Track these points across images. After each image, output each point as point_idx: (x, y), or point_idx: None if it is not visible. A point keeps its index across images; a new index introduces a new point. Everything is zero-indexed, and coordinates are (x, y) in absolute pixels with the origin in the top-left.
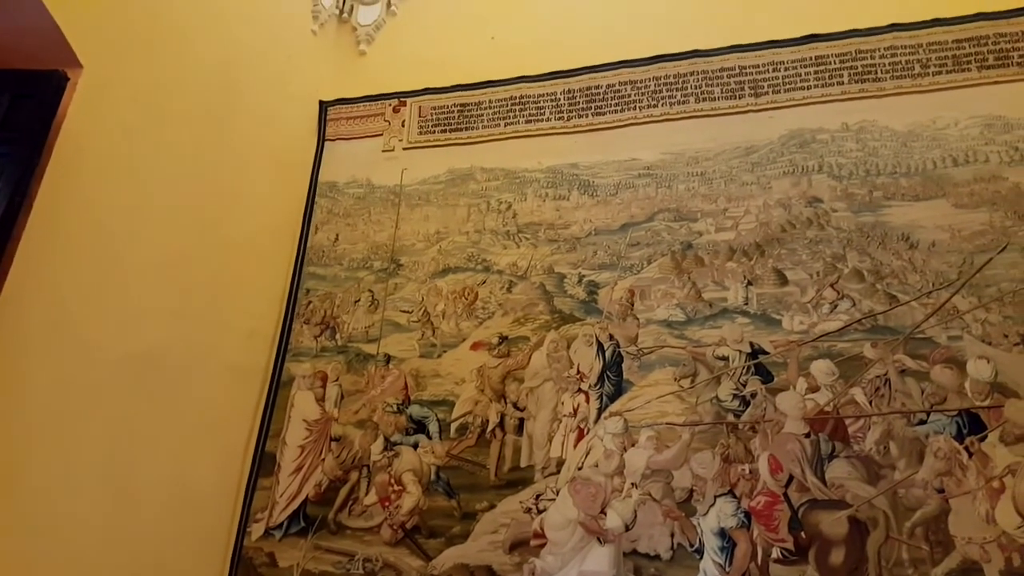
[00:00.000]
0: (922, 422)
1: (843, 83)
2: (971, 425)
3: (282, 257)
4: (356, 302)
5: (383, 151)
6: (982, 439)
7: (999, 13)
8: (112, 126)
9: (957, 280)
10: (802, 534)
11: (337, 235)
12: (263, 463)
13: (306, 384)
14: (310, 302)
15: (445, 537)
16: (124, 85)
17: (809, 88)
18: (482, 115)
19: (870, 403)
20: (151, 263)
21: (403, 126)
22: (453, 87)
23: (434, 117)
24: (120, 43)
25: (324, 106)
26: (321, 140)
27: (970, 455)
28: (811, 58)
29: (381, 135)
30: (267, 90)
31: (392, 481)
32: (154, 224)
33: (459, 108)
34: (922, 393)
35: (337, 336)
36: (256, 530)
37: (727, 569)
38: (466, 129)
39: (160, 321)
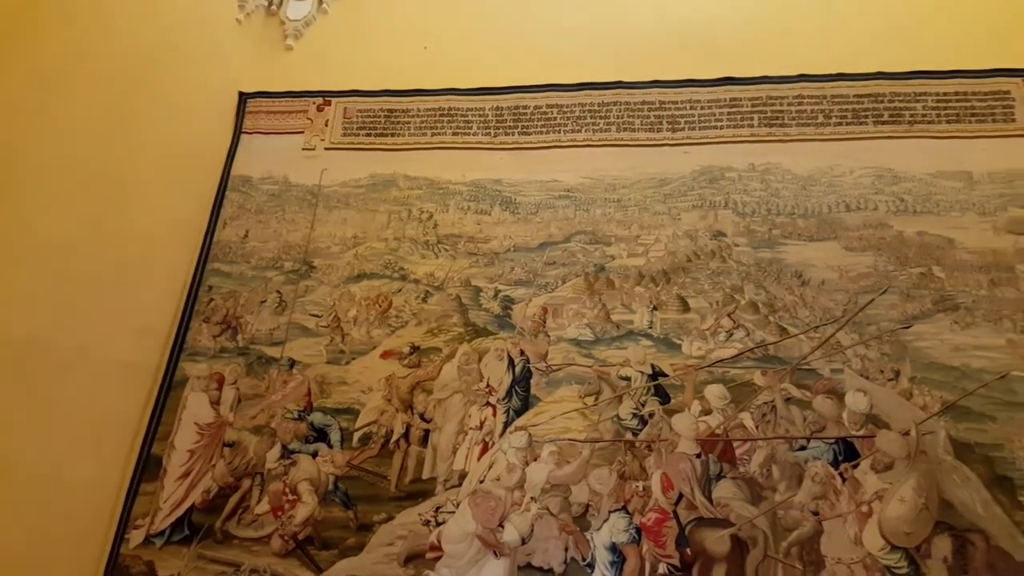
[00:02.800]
0: (802, 448)
1: (753, 126)
2: (846, 453)
3: (185, 251)
4: (262, 302)
5: (303, 149)
6: (855, 466)
7: (897, 74)
8: None
9: (842, 317)
10: (688, 551)
11: (247, 232)
12: (148, 466)
13: (200, 385)
14: (212, 300)
15: (339, 549)
16: (16, 61)
17: (722, 128)
18: (409, 123)
19: (757, 428)
20: (34, 248)
21: (326, 126)
22: (382, 91)
23: (360, 120)
24: (14, 16)
25: (244, 98)
26: (237, 132)
27: (844, 481)
28: (726, 99)
29: (302, 133)
30: (183, 76)
31: (287, 490)
32: (40, 208)
33: (386, 113)
34: (804, 420)
35: (238, 337)
36: (135, 537)
37: None
38: (392, 135)
39: (42, 309)
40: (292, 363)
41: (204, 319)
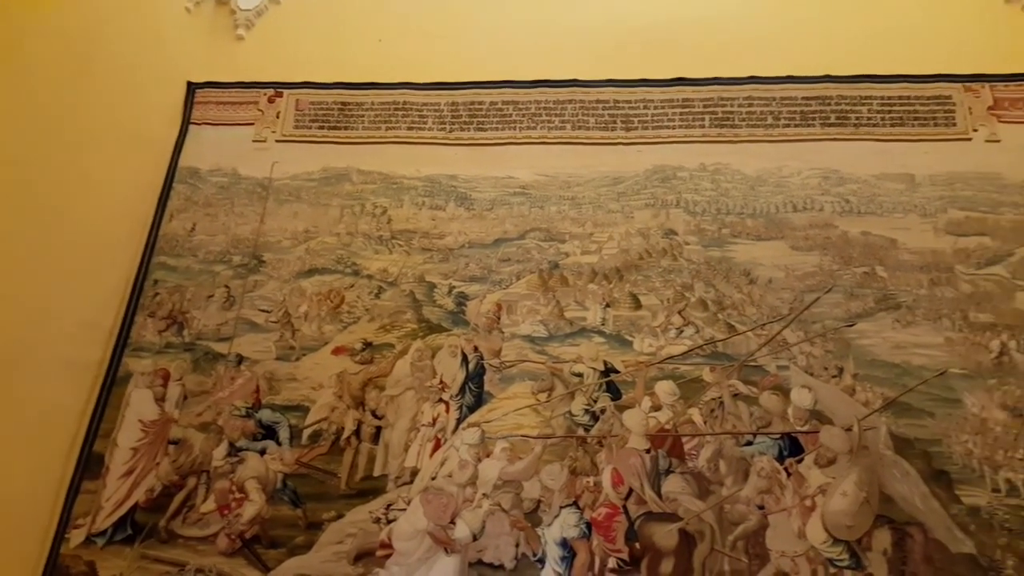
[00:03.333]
0: (749, 443)
1: (704, 126)
2: (791, 448)
3: (130, 244)
4: (210, 297)
5: (254, 141)
6: (799, 461)
7: (844, 77)
8: None
9: (788, 315)
10: (637, 545)
11: (194, 225)
12: (89, 464)
13: (145, 382)
14: (157, 294)
15: (287, 547)
16: None
17: (674, 128)
18: (363, 116)
19: (705, 423)
20: None
21: (278, 117)
22: (335, 84)
23: (312, 112)
24: None
25: (192, 88)
26: (186, 123)
27: (788, 475)
28: (678, 100)
29: (253, 124)
30: (130, 65)
31: (233, 488)
32: None
33: (340, 106)
34: (751, 416)
35: (185, 332)
36: (76, 536)
37: None
38: (345, 128)
39: None
40: (240, 359)
41: (149, 314)
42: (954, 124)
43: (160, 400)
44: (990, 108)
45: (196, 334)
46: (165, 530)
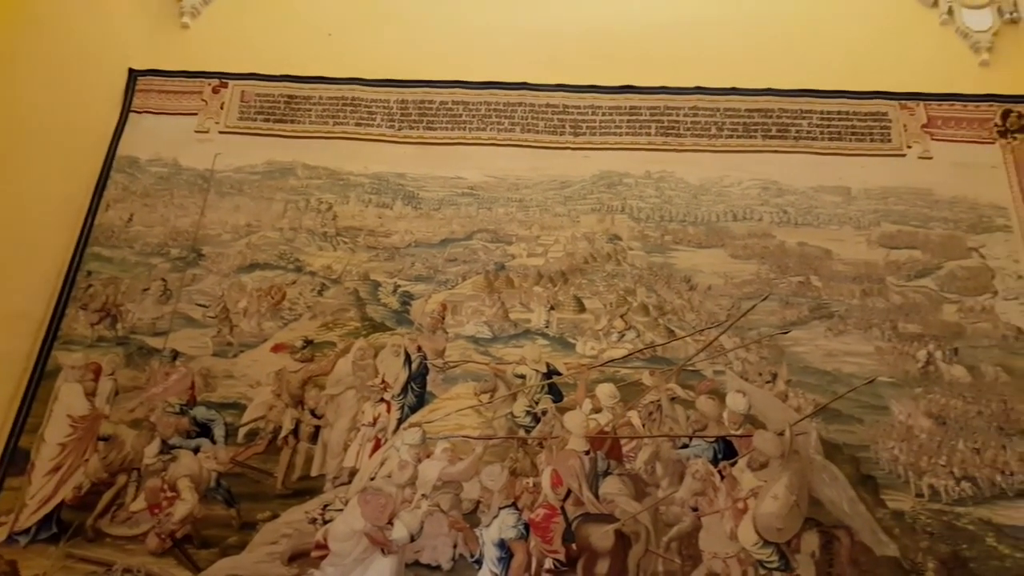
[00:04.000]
0: (685, 446)
1: (650, 134)
2: (725, 451)
3: (63, 233)
4: (145, 290)
5: (196, 132)
6: (733, 464)
7: (786, 91)
8: None
9: (726, 321)
10: (573, 546)
11: (131, 215)
12: (14, 460)
13: (75, 376)
14: (90, 286)
15: (219, 548)
16: None
17: (621, 135)
18: (311, 110)
19: (643, 426)
20: None
21: (222, 108)
22: (282, 76)
23: (258, 104)
24: None
25: (134, 75)
26: (125, 111)
27: (722, 478)
28: (626, 107)
29: (196, 115)
30: (71, 49)
31: (165, 487)
32: None
33: (286, 99)
34: (687, 419)
35: (118, 326)
36: None
37: None
38: (291, 122)
39: None
40: (175, 355)
41: (81, 306)
42: (889, 140)
43: (90, 395)
44: (924, 126)
45: (130, 328)
46: (92, 529)
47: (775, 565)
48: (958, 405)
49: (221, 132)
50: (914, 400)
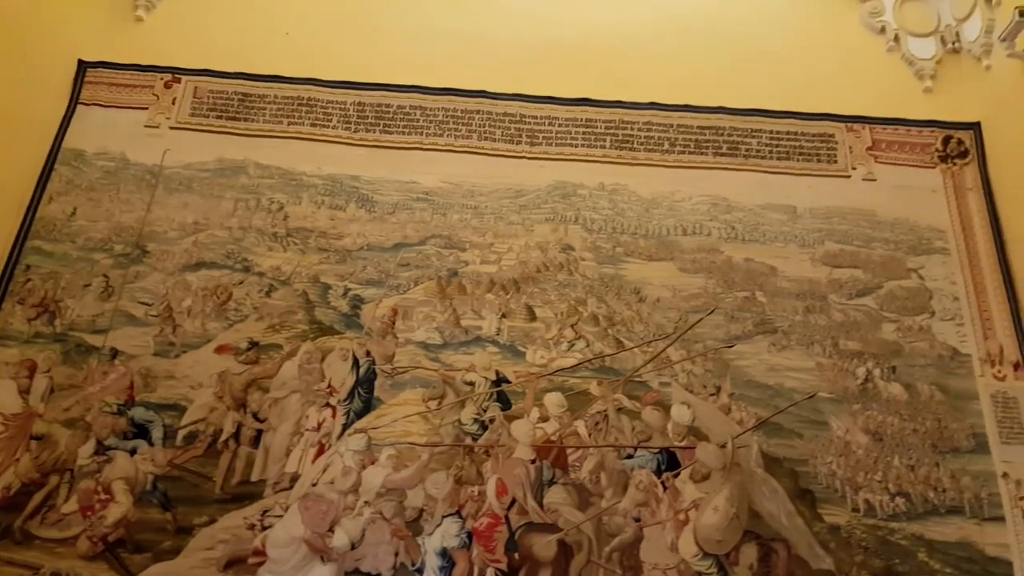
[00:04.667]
0: (630, 456)
1: (605, 147)
2: (669, 462)
3: (2, 226)
4: (86, 286)
5: (146, 126)
6: (676, 475)
7: (737, 110)
8: None
9: (673, 334)
10: (516, 555)
11: (75, 209)
12: None
13: (9, 372)
14: (29, 280)
15: (153, 552)
16: None
17: (576, 146)
18: (265, 109)
19: (589, 435)
20: None
21: (173, 104)
22: (237, 73)
23: (210, 100)
24: None
25: (83, 66)
26: (74, 103)
27: (665, 489)
28: (582, 120)
29: (147, 109)
30: (17, 37)
31: (99, 489)
32: None
33: (240, 97)
34: (632, 430)
35: (56, 322)
36: None
37: None
38: (245, 120)
39: None
40: (115, 353)
41: (18, 300)
42: (835, 161)
43: (24, 392)
44: (869, 148)
45: (69, 324)
46: (20, 531)
47: None
48: (894, 422)
49: (172, 128)
50: (852, 416)
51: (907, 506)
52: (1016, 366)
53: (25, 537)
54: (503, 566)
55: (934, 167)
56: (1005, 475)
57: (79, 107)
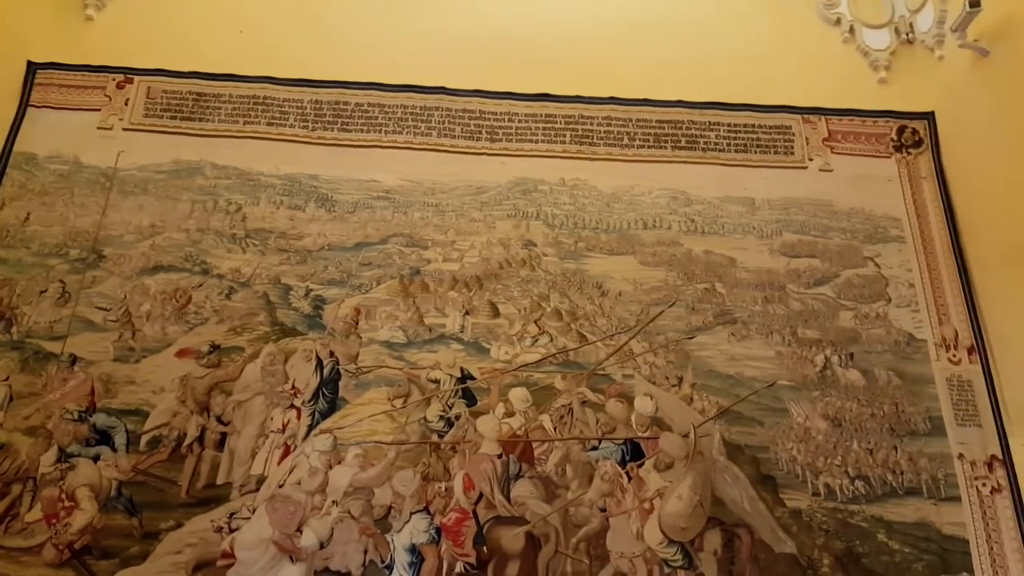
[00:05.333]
0: (594, 448)
1: (565, 142)
2: (633, 452)
3: None
4: (42, 292)
5: (99, 128)
6: (640, 465)
7: (695, 103)
8: None
9: (635, 327)
10: (484, 549)
11: (28, 214)
12: None
13: None
14: None
15: (120, 558)
16: None
17: (537, 142)
18: (220, 108)
19: (555, 429)
20: None
21: (126, 105)
22: (191, 73)
23: (164, 101)
24: None
25: (33, 68)
26: (23, 105)
27: (629, 479)
28: (542, 115)
29: (99, 110)
30: None
31: (63, 496)
32: None
33: (195, 96)
34: (597, 422)
35: (13, 329)
36: None
37: None
38: (200, 120)
39: None
40: (74, 359)
41: None
42: (792, 153)
43: None
44: (825, 139)
45: (26, 331)
46: None
47: (679, 563)
48: (853, 407)
49: (125, 129)
50: (812, 403)
51: (866, 489)
52: (970, 350)
53: None
54: (472, 560)
55: (889, 157)
56: (961, 456)
57: (29, 109)
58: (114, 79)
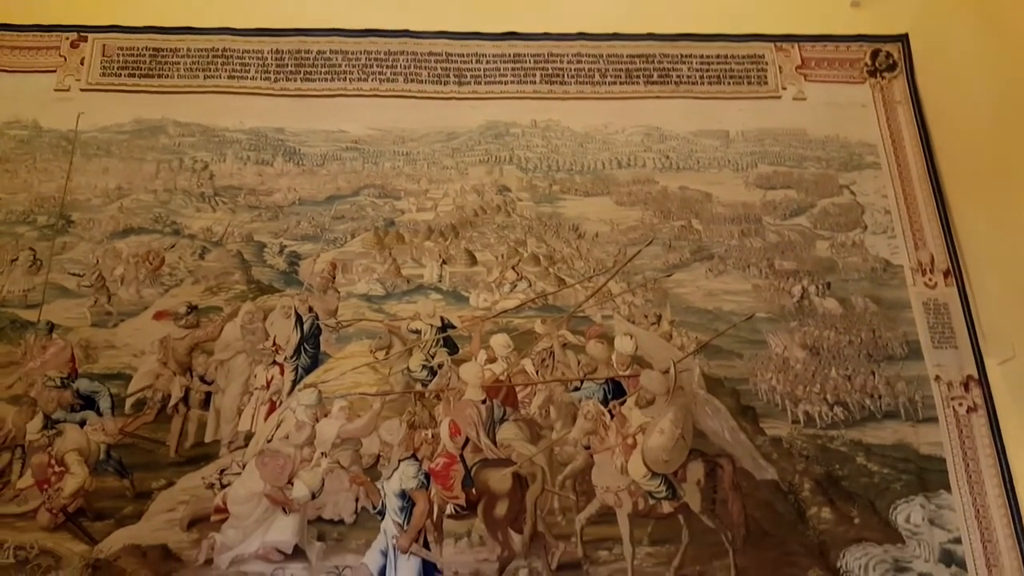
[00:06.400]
0: (576, 388)
1: (535, 82)
2: (615, 391)
3: None
4: (13, 261)
5: (56, 90)
6: (622, 403)
7: (666, 36)
8: None
9: (613, 267)
10: (473, 490)
11: None
12: None
13: None
14: None
15: (114, 519)
16: None
17: (507, 83)
18: (179, 63)
19: (537, 372)
20: None
21: (82, 64)
22: (146, 28)
23: (121, 59)
24: None
25: None
26: None
27: (612, 417)
28: (510, 55)
29: (55, 72)
30: None
31: (52, 462)
32: None
33: (152, 52)
34: (578, 364)
35: None
36: None
37: (405, 527)
38: (159, 76)
39: None
40: (51, 327)
41: None
42: (766, 83)
43: None
44: (798, 67)
45: (0, 301)
46: None
47: (663, 495)
48: (831, 336)
49: (83, 90)
50: (790, 333)
51: (845, 414)
52: (946, 274)
53: None
54: (462, 501)
55: (863, 82)
56: (937, 378)
57: None
58: (67, 38)
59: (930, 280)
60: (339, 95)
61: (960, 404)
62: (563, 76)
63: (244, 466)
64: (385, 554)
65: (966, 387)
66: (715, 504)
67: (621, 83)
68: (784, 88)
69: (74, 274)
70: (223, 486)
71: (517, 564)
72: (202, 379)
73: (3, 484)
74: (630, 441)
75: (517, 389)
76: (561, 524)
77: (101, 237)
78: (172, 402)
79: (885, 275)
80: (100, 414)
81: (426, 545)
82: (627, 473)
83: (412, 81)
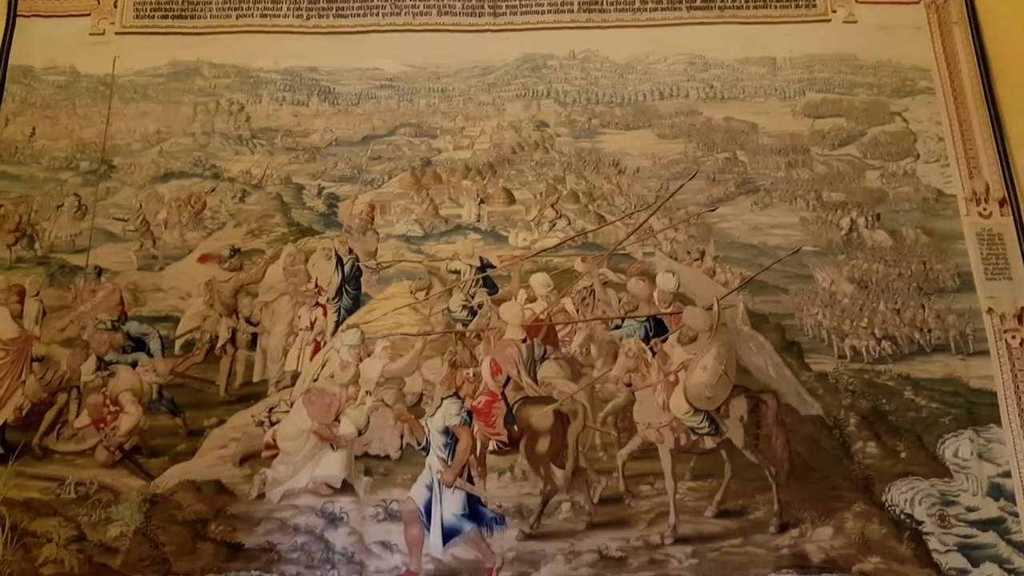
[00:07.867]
0: (617, 327)
1: (573, 11)
2: (656, 329)
3: None
4: (59, 207)
5: (91, 34)
6: (664, 340)
7: None
8: None
9: (654, 203)
10: (515, 427)
11: (34, 129)
12: None
13: None
14: (1, 206)
15: (169, 456)
16: None
17: (543, 13)
18: (211, 3)
19: (577, 311)
20: None
21: (116, 7)
22: None
23: (154, 0)
24: None
25: None
26: (12, 15)
27: (654, 354)
28: None
29: (89, 15)
30: None
31: (107, 402)
32: None
33: None
34: (619, 302)
35: (36, 245)
36: None
37: (449, 463)
38: (192, 17)
39: None
40: (100, 271)
41: None
42: (815, 6)
43: (17, 317)
44: None
45: (48, 247)
46: (39, 447)
47: (705, 430)
48: (879, 269)
49: (118, 33)
50: (837, 267)
51: (893, 349)
52: (1002, 202)
53: (45, 452)
54: (504, 438)
55: (917, 3)
56: (990, 310)
57: (19, 20)
58: None
59: (984, 209)
60: (372, 31)
61: (1013, 337)
62: (602, 3)
63: (292, 404)
64: (430, 488)
65: (1020, 319)
66: (758, 439)
67: (663, 9)
68: (834, 11)
69: (119, 219)
70: (272, 424)
71: (560, 498)
72: (248, 320)
73: (61, 423)
74: (672, 378)
75: (557, 328)
76: (603, 459)
77: (143, 182)
78: (220, 343)
79: (937, 205)
80: (151, 355)
81: (470, 479)
82: (669, 410)
83: (446, 14)
